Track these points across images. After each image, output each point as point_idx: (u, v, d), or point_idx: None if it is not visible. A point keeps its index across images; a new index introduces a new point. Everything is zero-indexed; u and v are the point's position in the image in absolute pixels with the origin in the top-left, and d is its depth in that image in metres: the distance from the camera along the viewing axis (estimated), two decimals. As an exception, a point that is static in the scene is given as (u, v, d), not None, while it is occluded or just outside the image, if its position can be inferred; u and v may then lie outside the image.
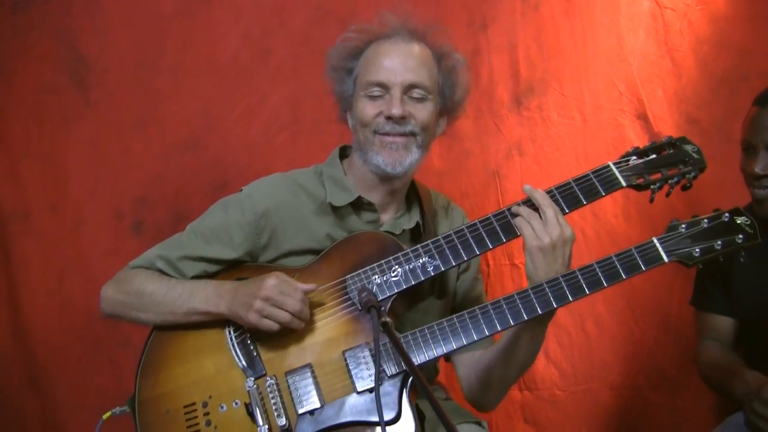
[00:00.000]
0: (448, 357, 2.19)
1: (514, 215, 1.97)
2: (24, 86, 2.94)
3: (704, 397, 2.87)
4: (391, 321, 1.77)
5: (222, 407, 1.95)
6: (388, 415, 1.88)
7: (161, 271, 2.08)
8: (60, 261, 2.94)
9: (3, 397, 2.93)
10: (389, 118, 2.05)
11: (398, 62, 2.08)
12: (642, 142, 2.95)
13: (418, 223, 2.16)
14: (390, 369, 1.92)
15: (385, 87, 2.07)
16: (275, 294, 1.91)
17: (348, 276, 2.01)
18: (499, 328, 1.92)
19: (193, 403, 1.95)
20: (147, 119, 2.95)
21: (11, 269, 2.93)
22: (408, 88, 2.07)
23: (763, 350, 2.37)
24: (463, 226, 2.01)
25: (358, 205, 2.13)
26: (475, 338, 1.92)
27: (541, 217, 1.91)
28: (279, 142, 2.97)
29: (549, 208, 1.92)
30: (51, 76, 2.94)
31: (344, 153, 2.24)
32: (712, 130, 2.94)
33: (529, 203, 1.98)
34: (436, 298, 2.19)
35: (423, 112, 2.08)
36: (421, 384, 1.63)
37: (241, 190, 2.16)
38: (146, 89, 2.95)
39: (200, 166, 2.95)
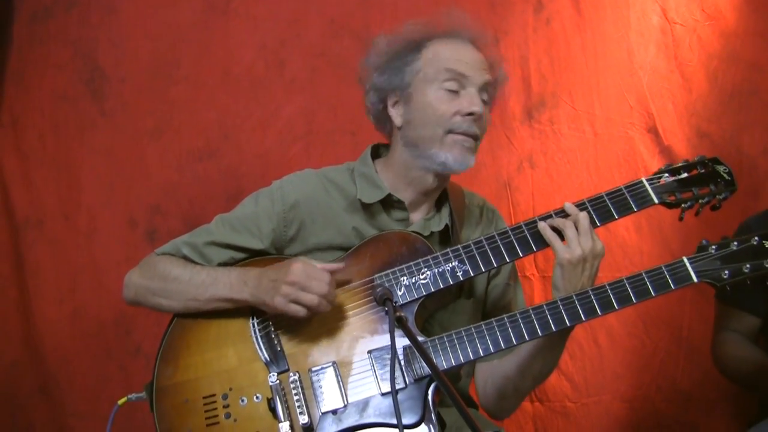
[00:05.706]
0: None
1: (546, 225, 1.96)
2: (41, 95, 2.97)
3: (717, 410, 2.86)
4: (405, 316, 1.76)
5: (243, 400, 1.92)
6: (410, 419, 1.86)
7: (187, 258, 2.07)
8: (73, 269, 2.95)
9: (13, 404, 2.93)
10: (469, 114, 2.00)
11: (475, 59, 2.04)
12: (652, 156, 3.00)
13: (447, 226, 2.13)
14: (417, 372, 1.90)
15: (463, 79, 2.02)
16: (302, 278, 1.89)
17: (376, 275, 1.99)
18: (527, 338, 1.91)
19: (213, 394, 1.93)
20: (162, 128, 2.98)
21: (24, 276, 2.95)
22: (482, 89, 2.04)
23: None
24: (494, 233, 2.00)
25: (388, 202, 2.11)
26: (503, 347, 1.91)
27: (576, 228, 1.91)
28: (293, 153, 2.98)
29: (584, 219, 1.93)
30: (67, 85, 2.98)
31: (377, 152, 2.22)
32: (723, 143, 2.97)
33: (561, 215, 1.97)
34: (465, 297, 2.16)
35: (487, 116, 2.07)
36: (445, 388, 1.62)
37: (272, 184, 2.15)
38: (162, 99, 2.98)
39: (214, 175, 2.97)
